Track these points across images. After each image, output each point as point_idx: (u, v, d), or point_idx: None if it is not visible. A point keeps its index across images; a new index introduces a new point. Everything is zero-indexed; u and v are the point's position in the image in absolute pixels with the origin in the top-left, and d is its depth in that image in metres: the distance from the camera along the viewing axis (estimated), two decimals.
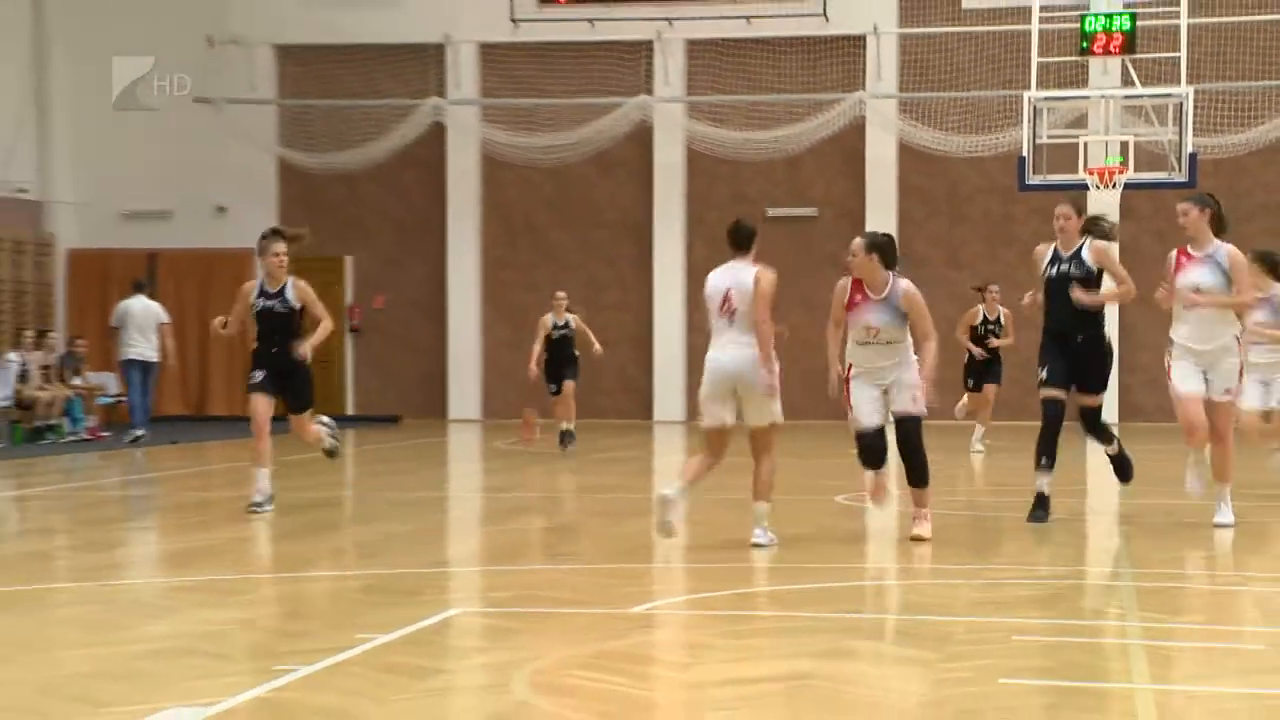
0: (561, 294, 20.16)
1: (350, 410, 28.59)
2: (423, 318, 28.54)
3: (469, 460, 20.94)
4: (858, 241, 10.76)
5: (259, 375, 12.67)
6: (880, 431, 10.76)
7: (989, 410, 19.72)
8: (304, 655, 6.84)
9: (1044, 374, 11.50)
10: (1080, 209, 11.69)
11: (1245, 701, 6.13)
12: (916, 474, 10.80)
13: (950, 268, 26.46)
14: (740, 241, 10.48)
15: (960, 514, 12.60)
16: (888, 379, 10.68)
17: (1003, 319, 19.46)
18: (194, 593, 9.10)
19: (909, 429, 10.73)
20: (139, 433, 21.73)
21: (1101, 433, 11.91)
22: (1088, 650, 7.48)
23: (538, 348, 19.62)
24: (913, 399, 10.64)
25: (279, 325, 12.68)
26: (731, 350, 10.24)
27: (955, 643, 7.33)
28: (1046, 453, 11.46)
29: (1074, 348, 11.44)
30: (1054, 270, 11.43)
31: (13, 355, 22.73)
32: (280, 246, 12.72)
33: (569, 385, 19.65)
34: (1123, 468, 12.19)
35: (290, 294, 12.68)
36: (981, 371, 19.50)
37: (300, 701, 6.10)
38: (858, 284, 10.63)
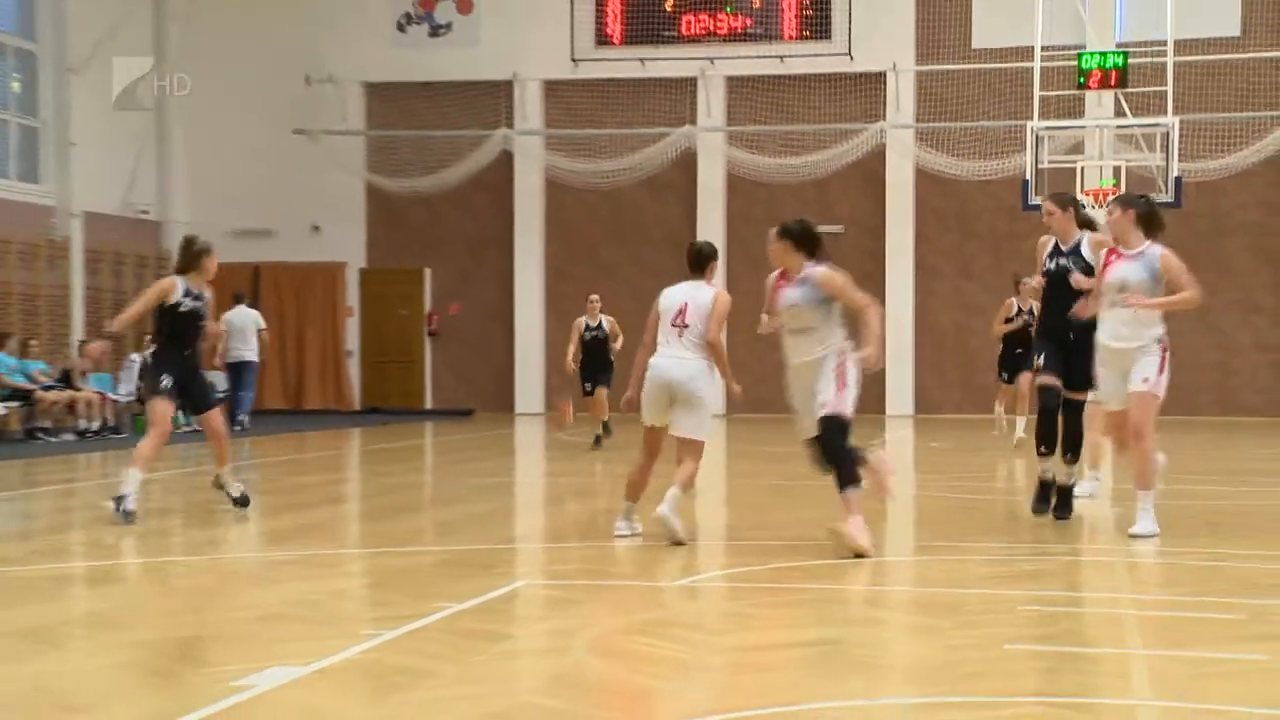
0: (595, 297, 19.32)
1: (429, 404, 28.77)
2: (493, 323, 28.60)
3: (534, 449, 20.94)
4: (772, 230, 9.62)
5: (168, 381, 11.35)
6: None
7: (1026, 401, 18.12)
8: (389, 621, 6.86)
9: (1039, 360, 10.68)
10: (1063, 203, 10.61)
11: (1228, 665, 6.07)
12: (836, 478, 9.25)
13: (961, 278, 26.28)
14: (699, 263, 9.95)
15: (971, 497, 12.51)
16: (808, 379, 9.27)
17: (1035, 310, 18.28)
18: (292, 566, 9.13)
19: (824, 429, 9.21)
20: (242, 417, 22.38)
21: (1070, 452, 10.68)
22: (1085, 620, 7.42)
23: (572, 348, 18.81)
24: (821, 404, 9.13)
25: (197, 329, 11.43)
26: (674, 361, 9.71)
27: (965, 612, 7.29)
28: (1045, 441, 10.65)
29: (1066, 345, 10.55)
30: (1053, 264, 10.52)
31: (135, 356, 22.94)
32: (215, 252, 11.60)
33: (601, 391, 18.67)
34: (1066, 503, 10.71)
35: (208, 296, 11.62)
36: (1015, 364, 18.35)
37: (386, 662, 6.12)
38: (784, 273, 9.55)
